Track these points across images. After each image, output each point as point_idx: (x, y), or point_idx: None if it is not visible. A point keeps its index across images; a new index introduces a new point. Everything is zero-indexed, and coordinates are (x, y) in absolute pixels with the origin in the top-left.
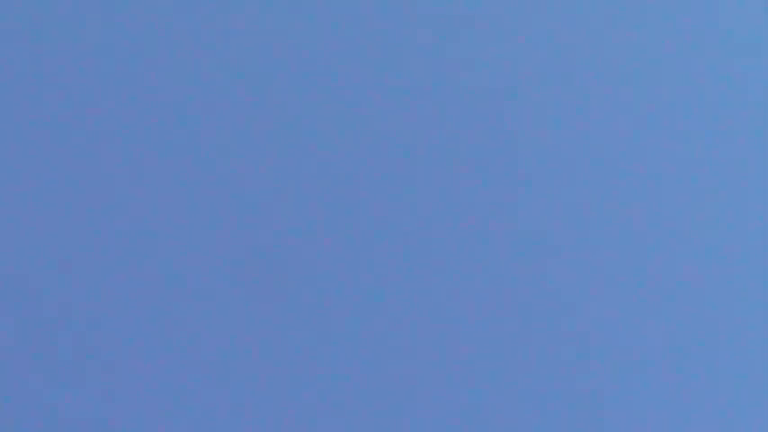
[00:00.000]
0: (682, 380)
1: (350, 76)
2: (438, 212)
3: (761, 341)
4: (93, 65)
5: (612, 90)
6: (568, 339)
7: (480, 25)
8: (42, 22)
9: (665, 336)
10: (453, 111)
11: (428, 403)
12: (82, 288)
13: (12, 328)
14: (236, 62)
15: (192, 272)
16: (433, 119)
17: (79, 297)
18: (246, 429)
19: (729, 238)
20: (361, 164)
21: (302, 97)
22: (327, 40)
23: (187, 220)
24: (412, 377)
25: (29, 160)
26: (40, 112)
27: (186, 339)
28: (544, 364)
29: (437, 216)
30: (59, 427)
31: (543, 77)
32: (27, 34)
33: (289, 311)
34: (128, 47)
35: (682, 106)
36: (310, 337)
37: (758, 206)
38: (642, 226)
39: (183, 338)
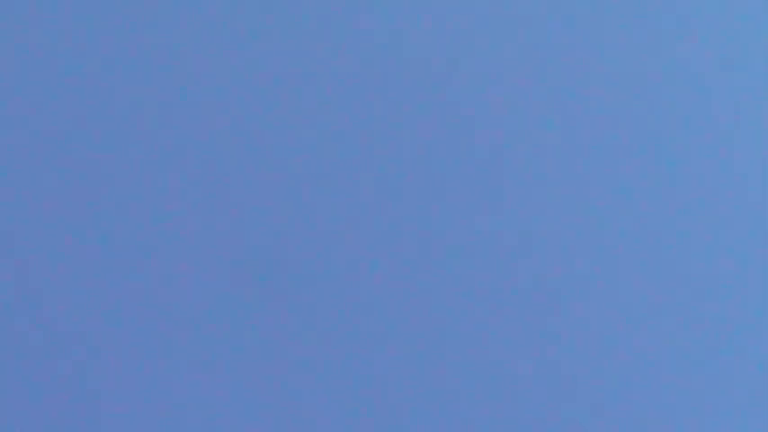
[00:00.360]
0: (679, 381)
1: (350, 76)
2: (436, 213)
3: (761, 341)
4: (92, 64)
5: (609, 90)
6: (567, 340)
7: (478, 25)
8: (42, 21)
9: (665, 337)
10: (452, 111)
11: (427, 404)
12: (81, 289)
13: (12, 329)
14: (237, 63)
15: (191, 272)
16: (431, 120)
17: (78, 298)
18: (246, 429)
19: (729, 238)
20: (360, 164)
21: (301, 97)
22: (326, 41)
23: (186, 221)
24: (412, 378)
25: (28, 161)
26: (38, 112)
27: (186, 340)
28: (543, 364)
29: (436, 217)
30: (59, 427)
31: (544, 77)
32: (27, 34)
33: (288, 313)
34: (127, 47)
35: (681, 106)
36: (310, 338)
37: (758, 206)
38: (641, 226)
39: (182, 339)
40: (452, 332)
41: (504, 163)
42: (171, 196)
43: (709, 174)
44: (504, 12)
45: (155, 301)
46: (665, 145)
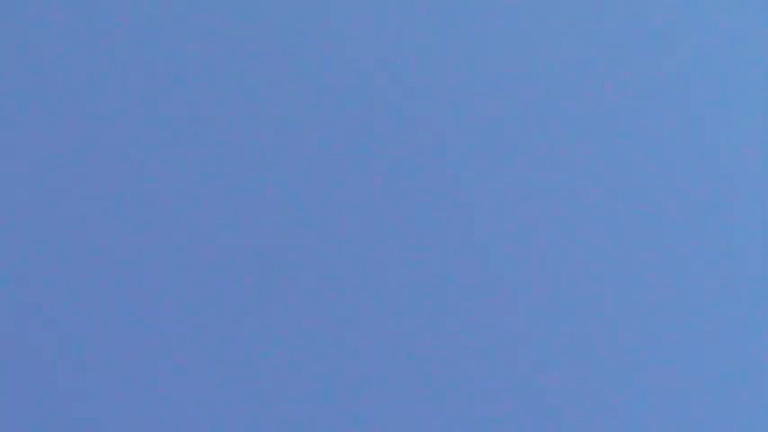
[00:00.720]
0: (677, 382)
1: (349, 77)
2: (436, 213)
3: (761, 341)
4: (94, 65)
5: (606, 90)
6: (566, 341)
7: (475, 25)
8: (42, 21)
9: (664, 338)
10: (451, 111)
11: (426, 404)
12: (81, 289)
13: (12, 327)
14: (237, 63)
15: (192, 272)
16: (430, 121)
17: (77, 298)
18: (246, 429)
19: (729, 239)
20: (360, 164)
21: (302, 98)
22: (328, 41)
23: (188, 221)
24: (412, 378)
25: (30, 161)
26: (39, 112)
27: (186, 340)
28: (542, 365)
29: (435, 217)
30: (62, 427)
31: (544, 77)
32: (27, 34)
33: (288, 313)
34: (128, 47)
35: (682, 106)
36: (310, 337)
37: (758, 207)
38: (640, 227)
39: (182, 339)
40: (451, 332)
41: (502, 164)
42: (171, 196)
43: (708, 175)
44: (502, 12)
45: (155, 301)
46: (665, 147)
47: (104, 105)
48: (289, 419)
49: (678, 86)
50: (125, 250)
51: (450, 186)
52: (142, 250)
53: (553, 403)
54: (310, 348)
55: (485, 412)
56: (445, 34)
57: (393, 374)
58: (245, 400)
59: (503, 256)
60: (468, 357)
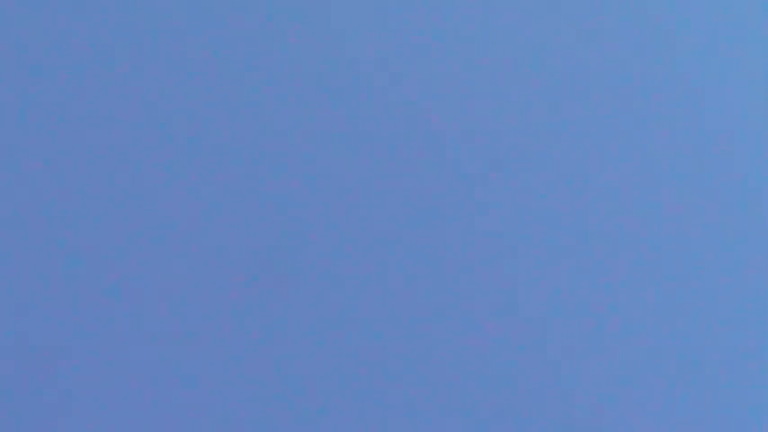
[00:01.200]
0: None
1: (352, 78)
2: (436, 214)
3: (761, 342)
4: (95, 65)
5: (608, 91)
6: (566, 341)
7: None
8: (42, 21)
9: (664, 338)
10: (451, 112)
11: (426, 403)
12: (81, 289)
13: (12, 327)
14: (237, 63)
15: (192, 273)
16: (428, 122)
17: (77, 298)
18: (246, 429)
19: (729, 240)
20: (360, 165)
21: (303, 98)
22: (330, 41)
23: (188, 221)
24: (412, 378)
25: (30, 162)
26: (39, 112)
27: (187, 340)
28: (540, 365)
29: (434, 218)
30: (63, 427)
31: (544, 77)
32: (27, 34)
33: (289, 313)
34: (127, 46)
35: (682, 107)
36: (311, 337)
37: (758, 207)
38: (640, 228)
39: (184, 339)
40: (450, 333)
41: (501, 165)
42: (171, 196)
43: (707, 175)
44: (502, 12)
45: (154, 302)
46: (665, 146)
47: (103, 105)
48: (289, 420)
49: (678, 86)
50: (124, 251)
51: (450, 187)
52: (141, 251)
53: (553, 403)
54: (310, 349)
55: (485, 413)
56: (445, 34)
57: (393, 375)
58: (245, 400)
59: (505, 260)
60: (468, 358)
